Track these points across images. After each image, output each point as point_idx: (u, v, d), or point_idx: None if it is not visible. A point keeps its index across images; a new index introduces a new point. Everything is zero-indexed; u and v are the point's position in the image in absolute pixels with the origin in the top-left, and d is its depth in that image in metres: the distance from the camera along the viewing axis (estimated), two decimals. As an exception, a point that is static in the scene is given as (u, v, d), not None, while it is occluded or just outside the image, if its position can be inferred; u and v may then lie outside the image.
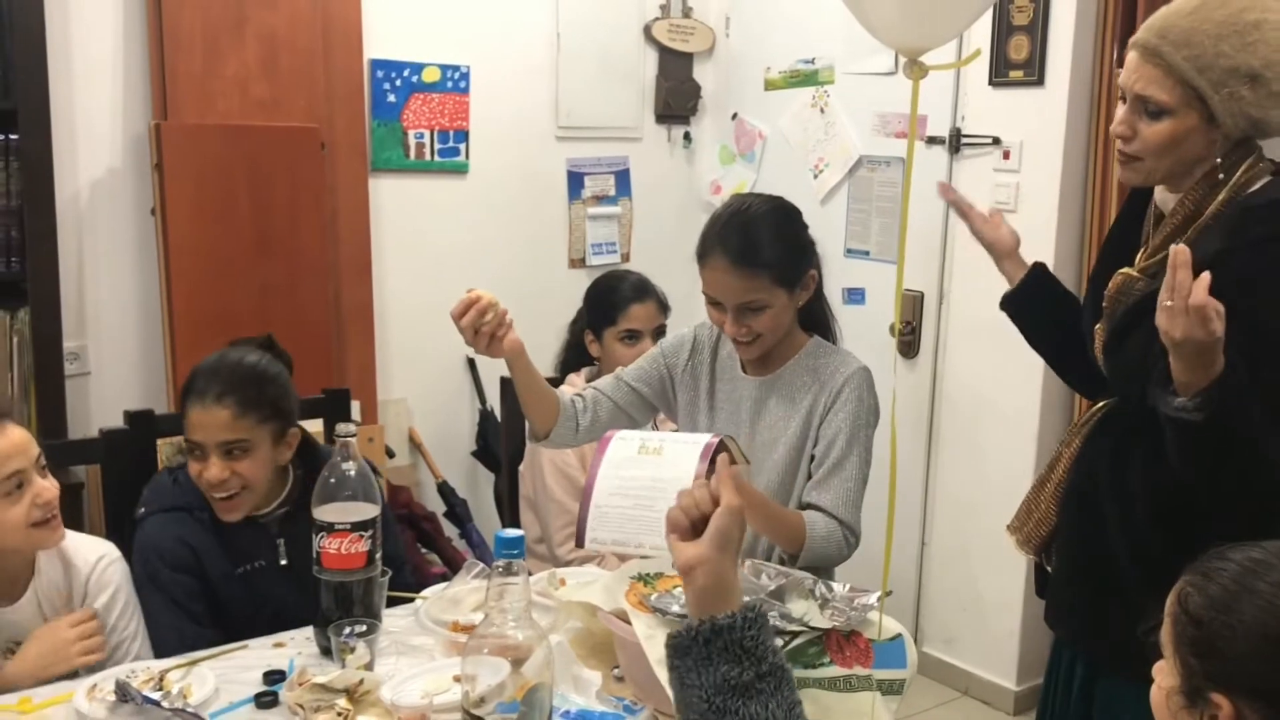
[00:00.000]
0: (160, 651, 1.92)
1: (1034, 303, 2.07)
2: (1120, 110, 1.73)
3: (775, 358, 2.15)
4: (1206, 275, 1.45)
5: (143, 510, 2.07)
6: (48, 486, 1.81)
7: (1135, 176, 1.76)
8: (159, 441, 2.32)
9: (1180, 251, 1.46)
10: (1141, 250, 1.78)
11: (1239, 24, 1.63)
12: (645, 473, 1.71)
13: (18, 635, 1.84)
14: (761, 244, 2.03)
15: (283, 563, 2.06)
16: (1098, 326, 1.81)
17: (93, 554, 1.92)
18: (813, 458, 2.09)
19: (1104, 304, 1.79)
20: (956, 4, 1.48)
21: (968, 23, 1.58)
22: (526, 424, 2.17)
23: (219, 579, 2.03)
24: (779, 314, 2.07)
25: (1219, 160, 1.68)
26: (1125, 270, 1.76)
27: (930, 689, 3.50)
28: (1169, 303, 1.47)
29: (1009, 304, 2.10)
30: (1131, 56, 1.71)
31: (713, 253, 2.05)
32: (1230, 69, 1.62)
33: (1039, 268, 2.08)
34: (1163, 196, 1.78)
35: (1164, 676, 1.19)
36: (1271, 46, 1.62)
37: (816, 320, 2.20)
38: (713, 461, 1.72)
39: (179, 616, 1.98)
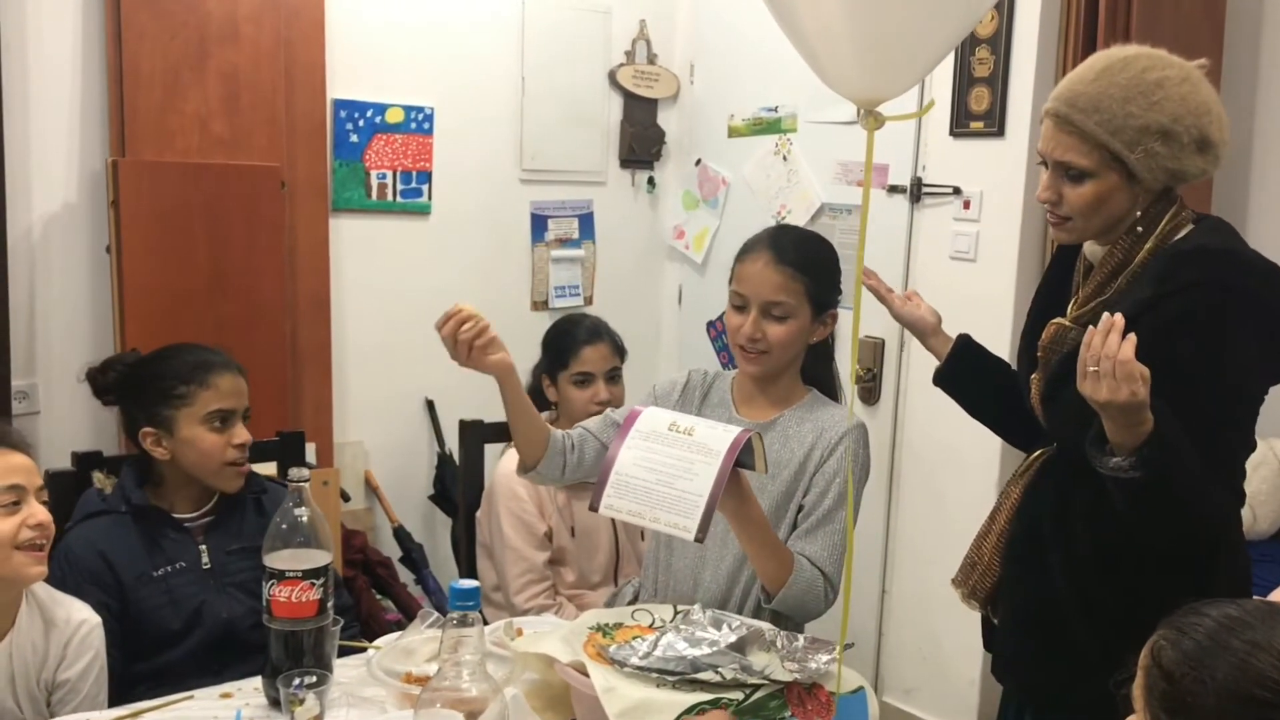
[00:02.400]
0: None
1: (965, 373, 2.12)
2: (1044, 176, 1.78)
3: (773, 401, 2.14)
4: (1133, 336, 1.49)
5: (68, 525, 2.10)
6: (43, 513, 1.81)
7: (1069, 236, 1.82)
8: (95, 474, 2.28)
9: (1117, 319, 1.51)
10: (1073, 300, 1.83)
11: (1142, 84, 1.69)
12: (673, 450, 1.74)
13: None
14: (807, 254, 2.10)
15: (205, 565, 2.12)
16: (1033, 377, 1.84)
17: (75, 617, 1.90)
18: (801, 507, 2.07)
19: (1039, 354, 1.82)
20: (910, 56, 1.49)
21: (921, 74, 1.60)
22: (515, 458, 2.12)
23: (133, 581, 2.06)
24: (796, 332, 2.08)
25: (1139, 214, 1.74)
26: (1058, 320, 1.81)
27: (890, 739, 3.47)
28: (1093, 368, 1.51)
29: (941, 379, 2.14)
30: (1046, 125, 1.77)
31: (756, 249, 2.11)
32: (1141, 128, 1.68)
33: (964, 339, 2.13)
34: (1092, 249, 1.83)
35: None
36: (1175, 101, 1.69)
37: (822, 379, 2.21)
38: (738, 462, 1.73)
39: None
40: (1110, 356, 1.50)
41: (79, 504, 2.15)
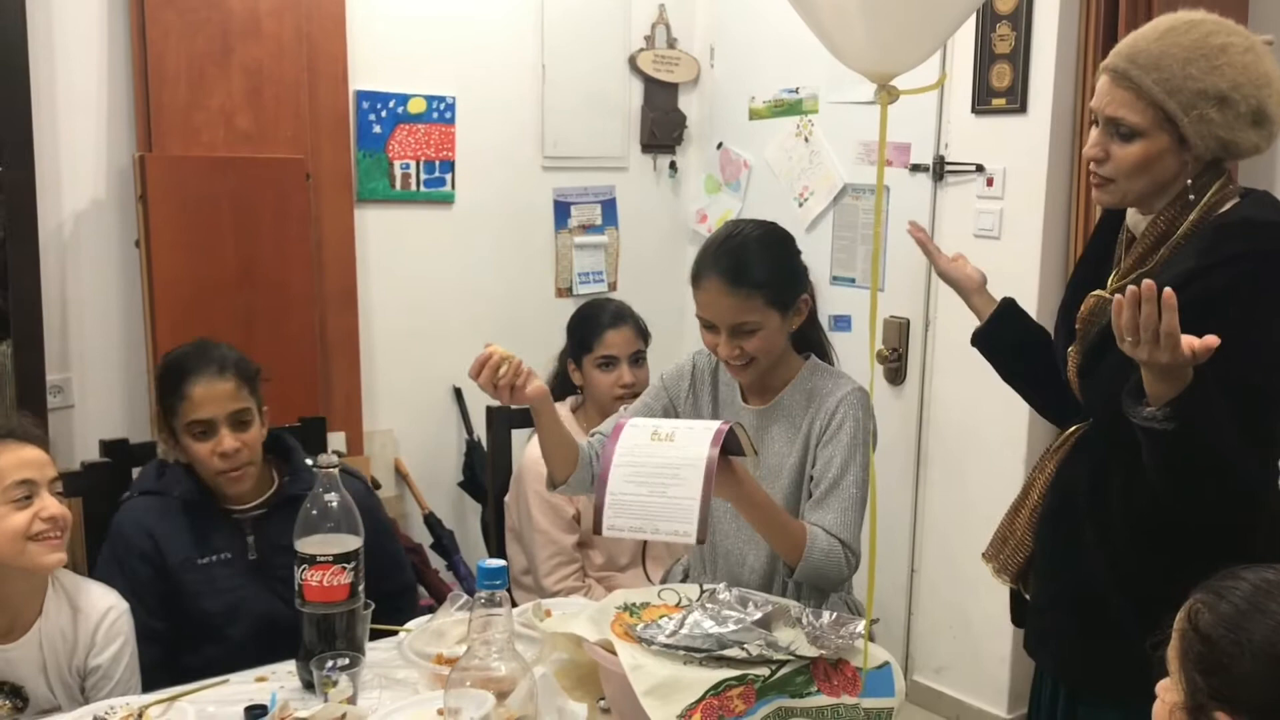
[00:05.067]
0: None
1: (1005, 337, 2.10)
2: (1093, 133, 1.76)
3: (772, 385, 2.15)
4: (1172, 295, 1.46)
5: (126, 495, 2.16)
6: (56, 505, 1.83)
7: (1109, 198, 1.79)
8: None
9: (1148, 286, 1.47)
10: (1114, 272, 1.80)
11: (1206, 48, 1.66)
12: (658, 459, 1.75)
13: (13, 677, 1.81)
14: (754, 266, 2.06)
15: (251, 557, 2.14)
16: (1071, 349, 1.83)
17: (102, 603, 1.92)
18: (811, 479, 2.09)
19: (1077, 325, 1.80)
20: (922, 29, 1.48)
21: (934, 47, 1.59)
22: (546, 471, 2.12)
23: (177, 566, 2.09)
24: (771, 336, 2.07)
25: (1189, 182, 1.70)
26: (1098, 292, 1.78)
27: (920, 717, 3.48)
28: (1129, 338, 1.49)
29: (980, 339, 2.12)
30: (1103, 80, 1.74)
31: (707, 275, 2.08)
32: (1199, 91, 1.65)
33: (1008, 302, 2.11)
34: (1134, 219, 1.80)
35: (1168, 693, 1.19)
36: (1237, 69, 1.66)
37: (812, 344, 2.21)
38: (723, 450, 1.75)
39: (133, 603, 2.01)
40: (1152, 328, 1.48)
41: (139, 475, 2.19)
